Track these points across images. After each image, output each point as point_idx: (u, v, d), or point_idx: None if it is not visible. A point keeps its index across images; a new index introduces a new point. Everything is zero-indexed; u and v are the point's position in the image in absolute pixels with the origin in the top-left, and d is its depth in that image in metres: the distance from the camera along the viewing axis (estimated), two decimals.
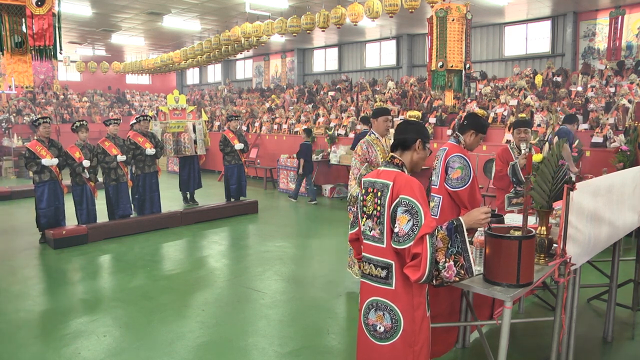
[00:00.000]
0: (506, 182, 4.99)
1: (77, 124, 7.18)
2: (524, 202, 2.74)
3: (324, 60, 18.59)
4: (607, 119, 8.36)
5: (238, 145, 9.19)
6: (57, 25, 5.24)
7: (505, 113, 9.57)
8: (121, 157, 7.51)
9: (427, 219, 2.30)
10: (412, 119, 9.00)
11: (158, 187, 8.33)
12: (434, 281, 2.32)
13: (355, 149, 4.68)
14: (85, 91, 21.86)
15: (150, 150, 7.94)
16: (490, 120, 9.61)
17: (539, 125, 8.95)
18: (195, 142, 9.47)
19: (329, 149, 11.33)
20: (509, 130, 5.40)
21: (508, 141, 7.07)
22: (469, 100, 10.60)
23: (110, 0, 11.49)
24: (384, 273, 2.44)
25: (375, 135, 4.69)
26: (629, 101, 8.55)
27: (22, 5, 5.02)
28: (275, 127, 13.88)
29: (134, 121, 8.64)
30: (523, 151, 4.93)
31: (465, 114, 9.68)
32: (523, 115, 5.77)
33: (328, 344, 3.94)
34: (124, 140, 7.85)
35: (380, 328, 2.48)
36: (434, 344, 2.68)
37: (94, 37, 16.36)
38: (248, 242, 7.32)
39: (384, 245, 2.43)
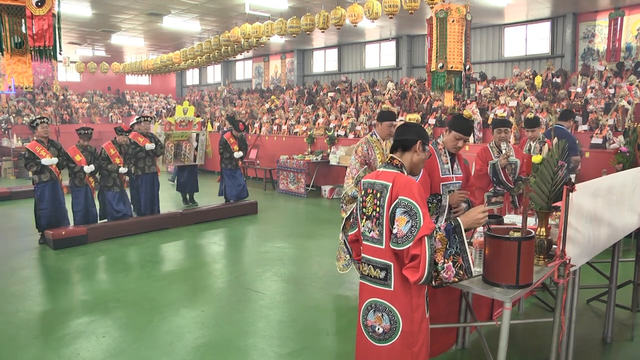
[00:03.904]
0: (486, 181, 5.02)
1: (82, 131, 7.19)
2: (523, 204, 2.74)
3: (324, 61, 18.58)
4: (607, 120, 8.37)
5: (237, 154, 9.15)
6: (57, 25, 5.25)
7: (505, 114, 9.58)
8: (123, 169, 7.48)
9: (426, 220, 2.30)
10: (412, 121, 8.99)
11: (158, 188, 8.33)
12: (433, 282, 2.32)
13: (356, 149, 4.66)
14: (85, 92, 21.85)
15: (149, 145, 7.95)
16: (489, 122, 9.62)
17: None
18: (196, 149, 9.46)
19: (329, 150, 11.34)
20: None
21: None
22: (468, 102, 10.61)
23: (110, 1, 11.49)
24: (382, 274, 2.45)
25: (376, 136, 4.67)
26: (629, 102, 8.56)
27: (22, 6, 5.02)
28: (275, 128, 13.89)
29: (134, 122, 8.64)
30: (503, 151, 4.95)
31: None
32: (531, 115, 5.76)
33: (327, 345, 3.94)
34: (128, 146, 7.84)
35: (378, 329, 2.48)
36: (431, 345, 2.68)
37: (93, 38, 16.35)
38: (247, 243, 7.33)
39: (383, 247, 2.44)
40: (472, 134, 9.44)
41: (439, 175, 3.34)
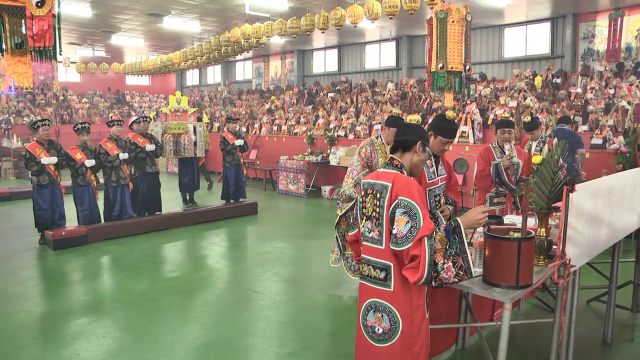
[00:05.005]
0: (488, 182, 5.02)
1: (79, 126, 7.20)
2: (522, 205, 2.74)
3: (324, 62, 18.58)
4: (607, 120, 8.37)
5: (238, 142, 9.15)
6: (57, 26, 5.25)
7: (507, 114, 9.58)
8: (123, 155, 7.49)
9: (426, 220, 2.30)
10: (412, 122, 9.00)
11: (160, 187, 8.33)
12: (433, 282, 2.32)
13: (359, 150, 4.68)
14: (85, 92, 21.86)
15: (149, 146, 7.94)
16: (490, 122, 9.62)
17: None
18: (195, 143, 9.47)
19: (329, 150, 11.34)
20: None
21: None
22: (468, 102, 10.61)
23: (110, 1, 11.49)
24: (382, 274, 2.44)
25: (382, 140, 4.68)
26: (628, 102, 8.56)
27: (22, 7, 5.03)
28: (275, 128, 13.89)
29: (133, 120, 8.65)
30: (507, 151, 4.95)
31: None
32: (528, 118, 5.81)
33: (327, 345, 3.94)
34: (126, 141, 7.85)
35: (378, 330, 2.48)
36: (431, 345, 2.68)
37: (93, 38, 16.35)
38: (248, 243, 7.32)
39: (383, 247, 2.44)
40: (473, 135, 9.45)
41: (425, 181, 3.32)
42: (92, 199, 7.32)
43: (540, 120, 8.93)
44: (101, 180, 7.66)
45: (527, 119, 5.76)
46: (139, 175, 8.06)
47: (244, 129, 14.35)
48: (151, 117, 10.60)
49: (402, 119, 4.88)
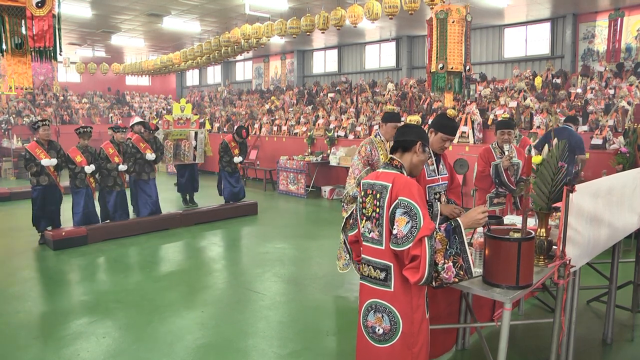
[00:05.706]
0: (488, 182, 5.02)
1: (82, 130, 7.19)
2: (522, 205, 2.74)
3: (324, 62, 18.58)
4: (607, 120, 8.38)
5: (237, 159, 9.13)
6: (57, 26, 5.25)
7: (508, 115, 9.58)
8: (122, 167, 7.47)
9: (426, 221, 2.30)
10: (412, 123, 8.99)
11: (157, 192, 8.29)
12: (434, 283, 2.32)
13: (359, 149, 4.67)
14: (85, 92, 21.84)
15: (150, 155, 7.91)
16: (490, 123, 9.62)
17: (538, 127, 8.97)
18: (195, 148, 9.44)
19: (329, 151, 11.35)
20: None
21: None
22: (468, 102, 10.62)
23: (110, 2, 11.49)
24: (383, 275, 2.44)
25: (380, 137, 4.67)
26: (628, 103, 8.56)
27: (22, 7, 5.02)
28: (275, 128, 13.89)
29: (134, 122, 8.63)
30: (506, 152, 4.95)
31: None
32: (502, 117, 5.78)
33: (327, 346, 3.94)
34: (127, 145, 7.81)
35: (379, 330, 2.48)
36: (431, 345, 2.68)
37: (93, 39, 16.36)
38: (247, 244, 7.32)
39: (383, 247, 2.44)
40: (473, 135, 9.45)
41: (424, 178, 3.32)
42: (90, 201, 7.30)
43: (542, 120, 8.96)
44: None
45: (501, 118, 5.76)
46: (137, 180, 8.01)
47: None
48: (155, 121, 10.56)
49: (398, 113, 4.86)
